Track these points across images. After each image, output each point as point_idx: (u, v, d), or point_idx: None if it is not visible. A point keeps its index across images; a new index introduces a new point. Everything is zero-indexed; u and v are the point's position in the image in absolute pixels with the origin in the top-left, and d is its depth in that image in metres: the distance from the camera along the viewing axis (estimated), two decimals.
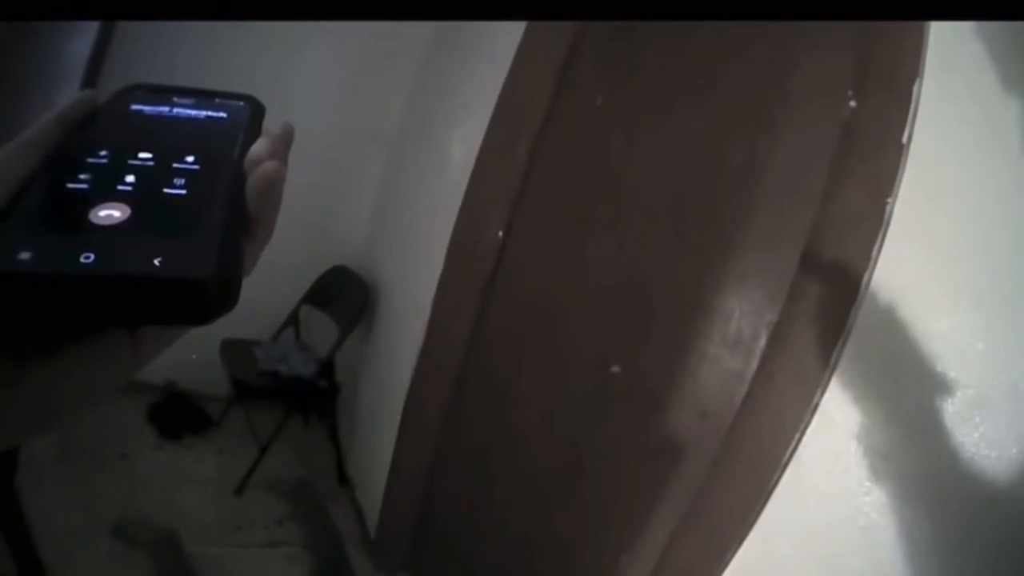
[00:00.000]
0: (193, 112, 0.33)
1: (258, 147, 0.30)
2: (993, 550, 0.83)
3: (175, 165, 0.28)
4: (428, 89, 2.50)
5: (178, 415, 2.52)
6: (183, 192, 0.27)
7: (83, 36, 1.91)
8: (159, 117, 0.32)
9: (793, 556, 1.04)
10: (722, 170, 1.37)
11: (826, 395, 1.01)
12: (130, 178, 0.27)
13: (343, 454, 2.49)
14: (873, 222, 0.99)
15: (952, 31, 0.95)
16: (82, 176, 0.26)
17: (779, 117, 1.27)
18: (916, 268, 0.95)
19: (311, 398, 2.48)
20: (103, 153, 0.28)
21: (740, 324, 1.26)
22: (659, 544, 1.28)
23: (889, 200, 0.98)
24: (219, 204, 0.27)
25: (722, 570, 1.10)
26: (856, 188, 1.05)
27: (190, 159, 0.29)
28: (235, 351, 2.38)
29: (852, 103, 1.09)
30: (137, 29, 2.07)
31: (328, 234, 2.70)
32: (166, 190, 0.27)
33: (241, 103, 0.34)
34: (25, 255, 0.22)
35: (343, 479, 2.45)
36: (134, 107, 0.32)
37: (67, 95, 0.30)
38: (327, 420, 2.52)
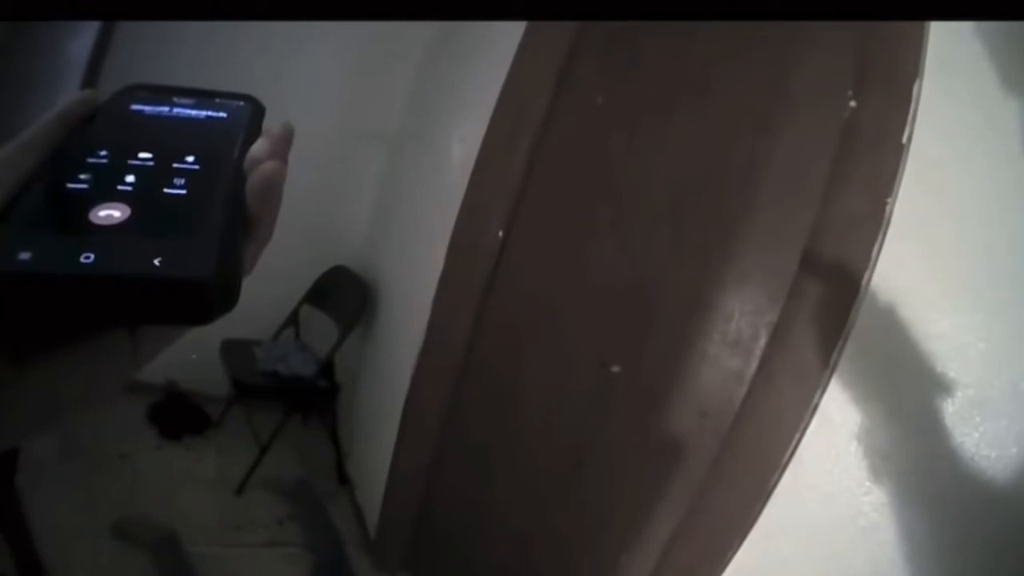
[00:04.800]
0: (193, 112, 0.33)
1: (258, 147, 0.29)
2: (993, 550, 0.83)
3: (175, 165, 0.28)
4: (428, 89, 2.50)
5: (178, 415, 2.52)
6: (183, 192, 0.27)
7: (83, 36, 1.91)
8: (159, 117, 0.32)
9: (793, 556, 1.04)
10: (722, 170, 1.37)
11: (826, 395, 1.01)
12: (130, 178, 0.27)
13: (343, 454, 2.49)
14: (873, 222, 0.99)
15: (952, 31, 0.95)
16: (82, 176, 0.26)
17: (779, 117, 1.27)
18: (916, 268, 0.96)
19: (311, 398, 2.47)
20: (103, 153, 0.28)
21: (740, 324, 1.26)
22: (659, 544, 1.28)
23: (889, 200, 0.98)
24: (219, 204, 0.27)
25: (722, 570, 1.10)
26: (856, 188, 1.05)
27: (190, 159, 0.29)
28: (235, 351, 2.38)
29: (852, 103, 1.09)
30: (137, 29, 2.07)
31: (328, 234, 2.70)
32: (166, 190, 0.27)
33: (241, 103, 0.34)
34: (25, 255, 0.22)
35: (343, 479, 2.44)
36: (134, 107, 0.32)
37: (67, 95, 0.30)
38: (327, 420, 2.52)
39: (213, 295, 0.23)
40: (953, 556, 0.86)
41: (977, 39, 0.92)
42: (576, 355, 1.61)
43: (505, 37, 1.85)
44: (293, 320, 2.60)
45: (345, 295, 2.51)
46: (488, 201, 1.84)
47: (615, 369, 1.49)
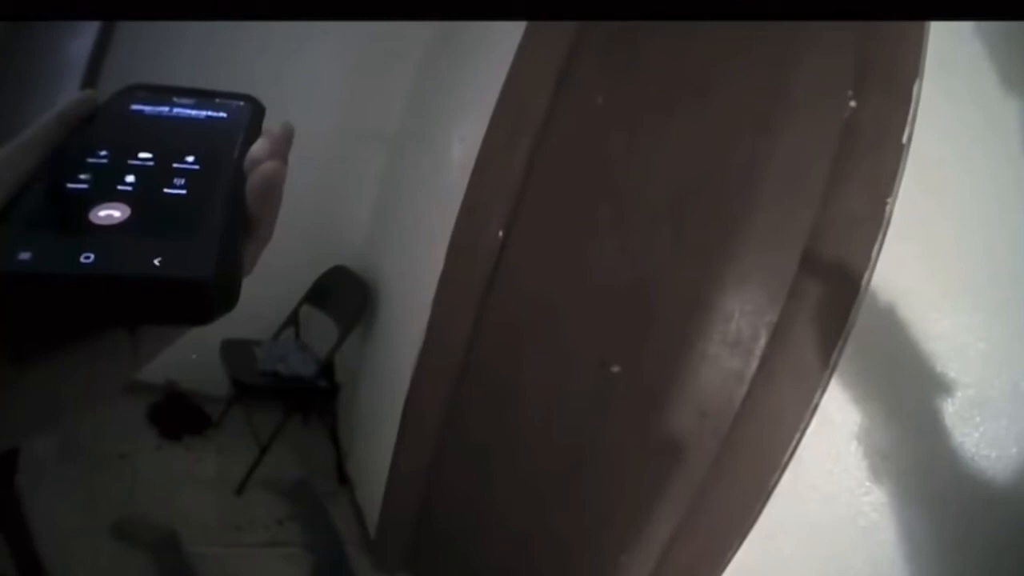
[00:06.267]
0: (193, 112, 0.33)
1: (258, 147, 0.29)
2: (993, 550, 0.83)
3: (175, 165, 0.28)
4: (428, 89, 2.50)
5: (178, 415, 2.52)
6: (183, 192, 0.27)
7: (83, 36, 1.91)
8: (159, 117, 0.32)
9: (793, 556, 1.04)
10: (722, 170, 1.37)
11: (826, 395, 1.01)
12: (130, 178, 0.27)
13: (343, 454, 2.49)
14: (873, 222, 0.99)
15: (952, 31, 0.95)
16: (82, 176, 0.26)
17: (779, 117, 1.27)
18: (916, 268, 0.95)
19: (311, 398, 2.47)
20: (103, 153, 0.28)
21: (740, 324, 1.26)
22: (659, 544, 1.28)
23: (889, 200, 0.98)
24: (219, 204, 0.27)
25: (722, 570, 1.10)
26: (856, 188, 1.05)
27: (190, 159, 0.29)
28: (235, 351, 2.38)
29: (852, 103, 1.09)
30: (137, 29, 2.07)
31: (328, 234, 2.70)
32: (166, 190, 0.27)
33: (241, 103, 0.34)
34: (25, 255, 0.22)
35: (343, 479, 2.44)
36: (134, 107, 0.32)
37: (67, 95, 0.30)
38: (327, 420, 2.52)
39: (213, 295, 0.23)
40: (953, 556, 0.86)
41: (977, 39, 0.92)
42: (576, 355, 1.61)
43: (505, 37, 1.85)
44: (293, 320, 2.60)
45: (345, 295, 2.51)
46: (488, 201, 1.84)
47: (615, 369, 1.49)
